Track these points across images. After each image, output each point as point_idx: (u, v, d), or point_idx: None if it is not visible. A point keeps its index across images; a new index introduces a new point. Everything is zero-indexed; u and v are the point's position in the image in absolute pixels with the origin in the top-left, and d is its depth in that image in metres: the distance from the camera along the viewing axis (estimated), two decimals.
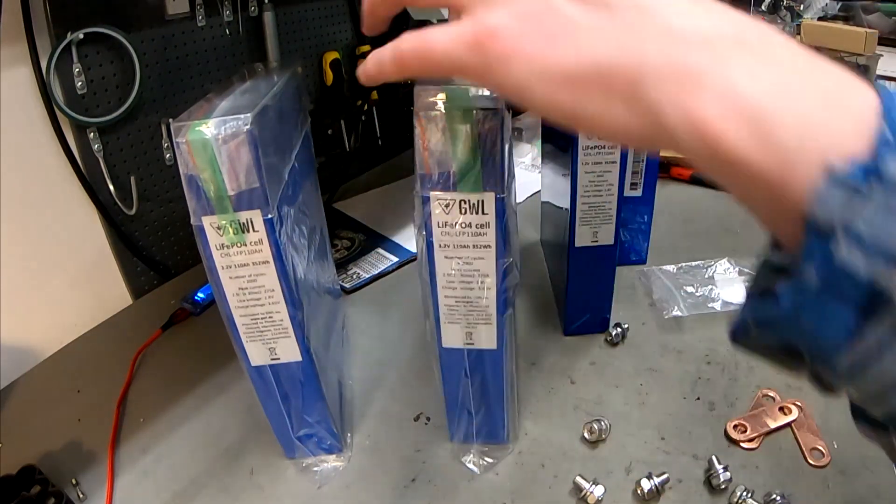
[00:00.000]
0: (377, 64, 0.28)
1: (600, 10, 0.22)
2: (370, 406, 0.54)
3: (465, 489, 0.46)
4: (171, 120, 0.40)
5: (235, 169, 0.34)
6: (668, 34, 0.20)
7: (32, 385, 0.61)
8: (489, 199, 0.36)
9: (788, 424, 0.48)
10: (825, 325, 0.18)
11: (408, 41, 0.26)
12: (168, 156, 0.74)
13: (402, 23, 1.19)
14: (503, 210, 0.36)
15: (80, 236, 0.68)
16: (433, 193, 0.35)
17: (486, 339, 0.41)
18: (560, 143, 0.58)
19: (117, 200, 0.69)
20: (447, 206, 0.36)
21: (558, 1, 0.22)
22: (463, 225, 0.36)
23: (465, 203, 0.36)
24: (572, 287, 0.58)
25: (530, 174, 1.01)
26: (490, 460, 0.47)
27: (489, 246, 0.37)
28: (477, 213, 0.36)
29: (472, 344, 0.42)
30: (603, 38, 0.21)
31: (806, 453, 0.46)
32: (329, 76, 0.97)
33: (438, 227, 0.37)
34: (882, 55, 1.27)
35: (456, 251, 0.38)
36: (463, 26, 0.24)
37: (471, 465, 0.47)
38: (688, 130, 0.19)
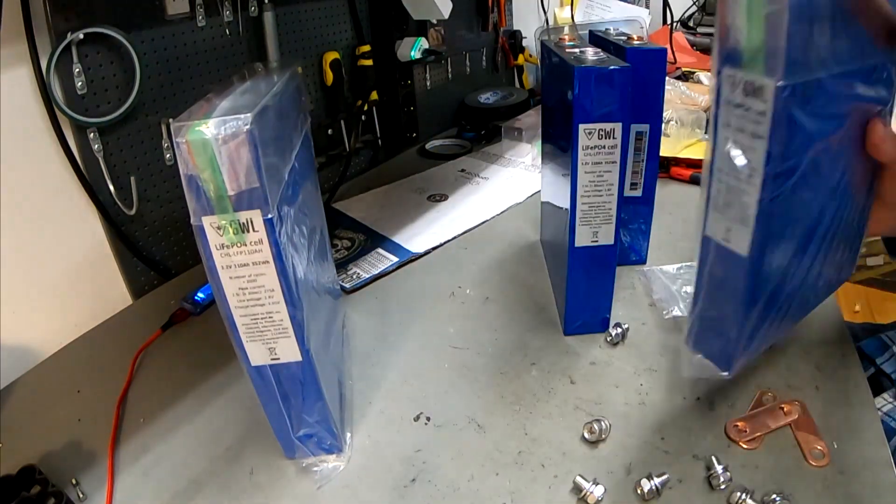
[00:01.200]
0: None
1: None
2: (370, 406, 0.54)
3: (465, 489, 0.46)
4: (171, 120, 0.40)
5: (235, 169, 0.34)
6: None
7: (32, 385, 0.61)
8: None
9: (788, 424, 0.48)
10: None
11: None
12: (168, 156, 0.74)
13: (403, 22, 1.20)
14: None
15: (81, 236, 0.68)
16: None
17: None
18: (560, 143, 0.58)
19: (117, 200, 0.69)
20: None
21: None
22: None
23: None
24: (572, 287, 0.58)
25: (530, 174, 1.01)
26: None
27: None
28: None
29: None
30: None
31: (806, 453, 0.46)
32: (329, 76, 0.97)
33: None
34: None
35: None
36: None
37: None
38: None
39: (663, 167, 0.94)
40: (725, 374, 0.44)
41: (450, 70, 1.28)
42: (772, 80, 0.33)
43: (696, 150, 0.98)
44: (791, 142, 0.35)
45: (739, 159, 0.36)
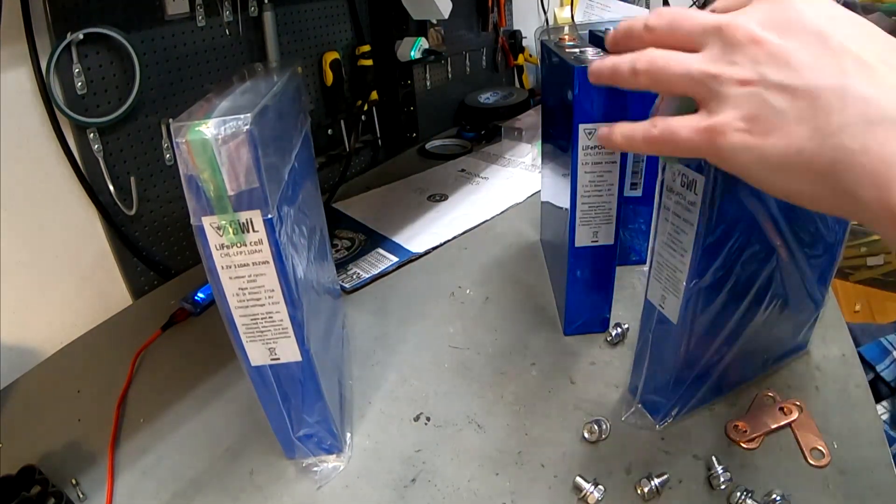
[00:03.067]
0: (628, 140, 0.34)
1: (804, 99, 0.26)
2: (370, 406, 0.54)
3: (465, 489, 0.46)
4: (171, 120, 0.40)
5: (235, 169, 0.34)
6: (864, 118, 0.24)
7: (32, 385, 0.61)
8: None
9: (788, 424, 0.48)
10: None
11: (658, 128, 0.32)
12: (168, 156, 0.74)
13: (403, 22, 1.20)
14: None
15: (80, 236, 0.68)
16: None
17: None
18: (560, 143, 0.58)
19: (117, 200, 0.69)
20: None
21: (773, 97, 0.27)
22: None
23: None
24: (572, 287, 0.58)
25: (530, 174, 1.01)
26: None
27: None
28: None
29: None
30: (806, 129, 0.26)
31: (806, 453, 0.46)
32: (329, 76, 0.97)
33: None
34: None
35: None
36: (700, 121, 0.30)
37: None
38: (881, 213, 0.24)
39: None
40: (657, 427, 0.49)
41: (450, 70, 1.28)
42: (702, 175, 0.37)
43: None
44: (717, 230, 0.39)
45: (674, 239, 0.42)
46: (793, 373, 0.54)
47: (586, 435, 0.49)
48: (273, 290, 0.38)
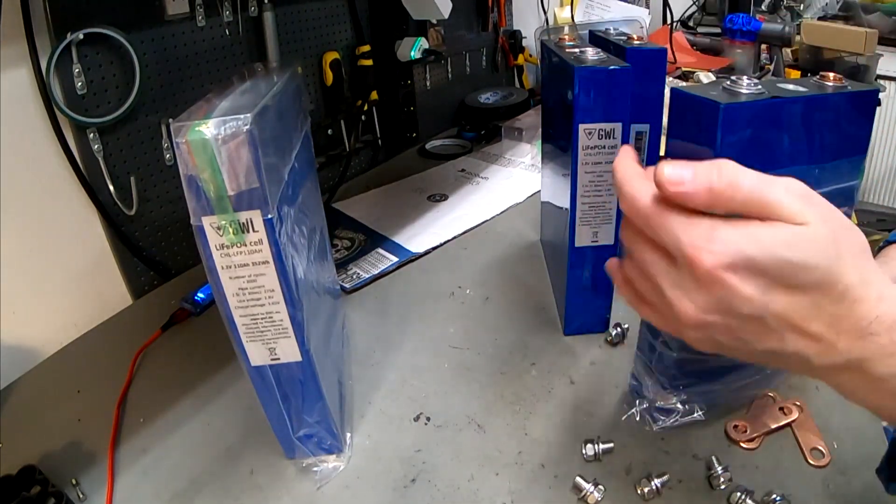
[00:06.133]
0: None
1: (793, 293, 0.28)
2: (370, 406, 0.54)
3: (465, 489, 0.46)
4: (171, 120, 0.40)
5: (235, 169, 0.34)
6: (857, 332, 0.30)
7: (32, 385, 0.61)
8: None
9: (788, 424, 0.48)
10: None
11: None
12: (168, 156, 0.74)
13: (403, 22, 1.19)
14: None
15: (80, 236, 0.68)
16: None
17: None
18: (560, 143, 0.58)
19: (117, 200, 0.69)
20: None
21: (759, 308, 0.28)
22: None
23: None
24: (572, 287, 0.58)
25: (530, 174, 1.01)
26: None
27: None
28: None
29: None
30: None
31: (806, 453, 0.46)
32: (329, 76, 0.97)
33: None
34: (882, 55, 1.27)
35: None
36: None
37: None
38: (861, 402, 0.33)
39: None
40: (657, 427, 0.49)
41: (450, 70, 1.28)
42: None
43: None
44: None
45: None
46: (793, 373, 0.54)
47: (586, 435, 0.49)
48: (273, 290, 0.38)
